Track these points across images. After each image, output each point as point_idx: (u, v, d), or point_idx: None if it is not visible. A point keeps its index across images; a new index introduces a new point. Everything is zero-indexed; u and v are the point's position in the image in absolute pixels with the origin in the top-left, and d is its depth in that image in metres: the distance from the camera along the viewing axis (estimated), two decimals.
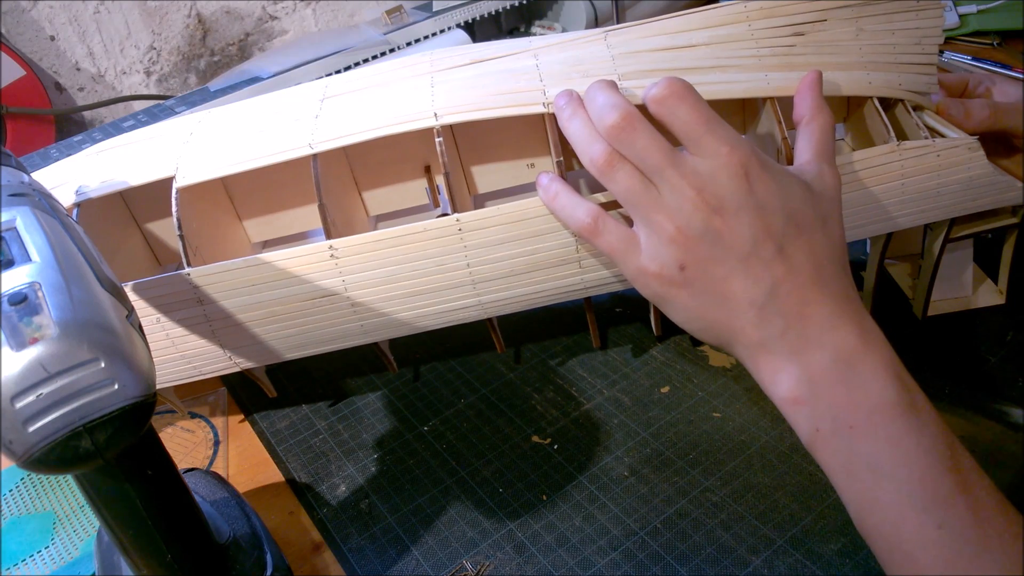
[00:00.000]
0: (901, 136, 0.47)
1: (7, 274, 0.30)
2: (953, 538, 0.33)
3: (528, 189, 0.56)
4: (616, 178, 0.40)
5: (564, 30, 0.99)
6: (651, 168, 0.39)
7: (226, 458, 0.54)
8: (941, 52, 0.83)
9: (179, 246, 0.46)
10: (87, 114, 1.00)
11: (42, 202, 0.35)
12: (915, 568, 0.34)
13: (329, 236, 0.46)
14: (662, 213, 0.39)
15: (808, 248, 0.38)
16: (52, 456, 0.29)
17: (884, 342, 0.37)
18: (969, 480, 0.34)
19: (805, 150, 0.42)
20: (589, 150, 0.41)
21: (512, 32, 1.03)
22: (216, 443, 0.55)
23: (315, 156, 0.47)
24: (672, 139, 0.39)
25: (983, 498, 0.34)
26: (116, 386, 0.29)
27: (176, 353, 0.49)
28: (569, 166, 0.46)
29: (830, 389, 0.36)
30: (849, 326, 0.37)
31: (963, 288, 0.56)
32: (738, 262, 0.38)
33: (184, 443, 0.56)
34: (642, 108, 0.40)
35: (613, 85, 0.42)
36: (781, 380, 0.37)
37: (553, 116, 0.45)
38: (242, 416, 0.57)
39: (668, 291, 0.40)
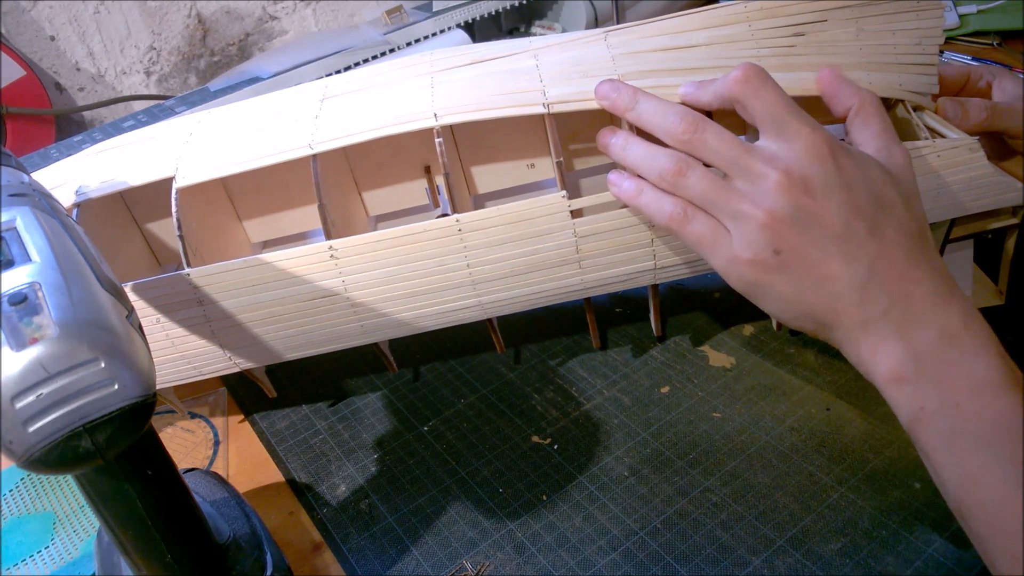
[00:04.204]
0: (901, 136, 0.47)
1: (7, 274, 0.30)
2: None
3: (528, 189, 0.56)
4: (690, 182, 0.40)
5: (564, 30, 0.99)
6: (728, 160, 0.39)
7: (226, 458, 0.54)
8: (941, 52, 0.83)
9: (179, 246, 0.46)
10: (87, 114, 1.00)
11: (42, 202, 0.35)
12: (1019, 544, 0.33)
13: (329, 236, 0.46)
14: (747, 202, 0.39)
15: (896, 226, 0.38)
16: (52, 456, 0.29)
17: (983, 320, 0.37)
18: None
19: (868, 140, 0.41)
20: (656, 165, 0.41)
21: (512, 32, 1.03)
22: (216, 443, 0.55)
23: (315, 156, 0.47)
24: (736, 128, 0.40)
25: None
26: (116, 386, 0.29)
27: (176, 353, 0.49)
28: (569, 166, 0.46)
29: (936, 367, 0.36)
30: (951, 304, 0.37)
31: (963, 288, 0.56)
32: (833, 242, 0.38)
33: (184, 443, 0.56)
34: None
35: (651, 95, 0.42)
36: (884, 359, 0.37)
37: (553, 116, 0.45)
38: (242, 416, 0.57)
39: (764, 277, 0.39)
